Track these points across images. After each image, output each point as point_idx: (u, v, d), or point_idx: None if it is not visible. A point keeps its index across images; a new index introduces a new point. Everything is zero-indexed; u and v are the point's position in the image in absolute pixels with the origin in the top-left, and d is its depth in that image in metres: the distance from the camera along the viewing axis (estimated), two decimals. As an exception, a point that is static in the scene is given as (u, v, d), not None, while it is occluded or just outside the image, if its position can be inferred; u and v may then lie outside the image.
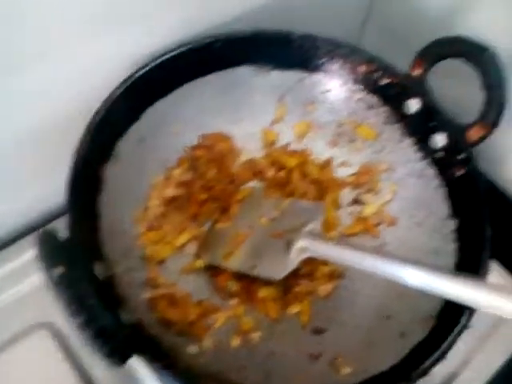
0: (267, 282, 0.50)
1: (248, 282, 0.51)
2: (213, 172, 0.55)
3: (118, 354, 0.34)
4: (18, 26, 0.41)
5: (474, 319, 0.43)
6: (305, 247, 0.48)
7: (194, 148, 0.57)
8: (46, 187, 0.54)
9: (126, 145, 0.50)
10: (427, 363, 0.41)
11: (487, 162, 0.58)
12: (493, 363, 0.54)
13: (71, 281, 0.33)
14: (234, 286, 0.51)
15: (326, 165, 0.60)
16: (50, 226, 0.37)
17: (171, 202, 0.53)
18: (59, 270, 0.32)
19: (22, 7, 0.40)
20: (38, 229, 0.55)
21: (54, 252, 0.33)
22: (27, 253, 0.53)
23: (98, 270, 0.40)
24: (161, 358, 0.39)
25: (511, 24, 0.56)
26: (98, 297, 0.34)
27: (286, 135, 0.61)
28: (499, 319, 0.54)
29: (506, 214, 0.61)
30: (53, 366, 0.48)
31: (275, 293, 0.51)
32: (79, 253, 0.37)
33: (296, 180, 0.58)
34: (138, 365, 0.47)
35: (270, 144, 0.60)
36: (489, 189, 0.51)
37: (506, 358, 0.54)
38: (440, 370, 0.48)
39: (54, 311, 0.48)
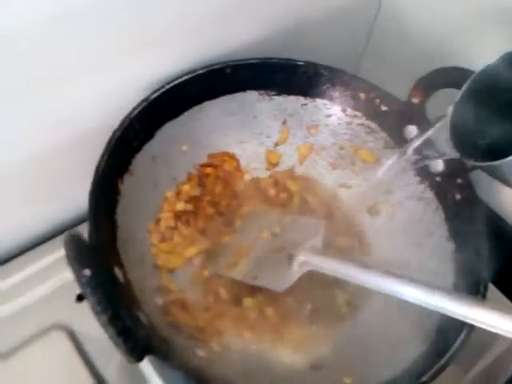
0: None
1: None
2: (219, 188, 0.59)
3: (137, 351, 0.37)
4: (42, 50, 0.45)
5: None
6: (306, 261, 0.50)
7: (203, 166, 0.60)
8: (69, 197, 0.57)
9: (140, 161, 0.53)
10: (426, 376, 0.43)
11: (485, 189, 0.62)
12: None
13: (98, 283, 0.35)
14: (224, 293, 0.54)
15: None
16: (74, 230, 0.40)
17: (181, 216, 0.56)
18: (87, 273, 0.35)
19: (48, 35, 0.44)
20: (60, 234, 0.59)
21: (80, 255, 0.36)
22: (48, 257, 0.58)
23: (118, 274, 0.44)
24: (173, 358, 0.41)
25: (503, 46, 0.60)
26: (120, 298, 0.37)
27: (290, 157, 0.64)
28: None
29: (502, 240, 0.64)
30: (67, 365, 0.51)
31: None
32: (101, 257, 0.40)
33: (296, 205, 0.61)
34: (146, 366, 0.51)
35: (273, 165, 0.64)
36: (487, 214, 0.54)
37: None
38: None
39: (70, 314, 0.54)
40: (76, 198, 0.47)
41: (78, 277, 0.35)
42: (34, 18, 0.42)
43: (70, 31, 0.45)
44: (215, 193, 0.59)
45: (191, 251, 0.55)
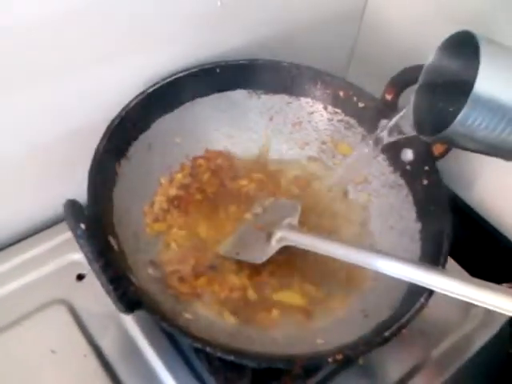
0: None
1: None
2: (207, 176, 0.64)
3: (126, 300, 0.42)
4: (48, 44, 0.51)
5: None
6: (283, 237, 0.55)
7: (197, 158, 0.65)
8: (72, 184, 0.59)
9: (137, 149, 0.59)
10: (389, 332, 0.47)
11: (449, 176, 0.67)
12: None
13: (92, 235, 0.40)
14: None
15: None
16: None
17: (173, 201, 0.61)
18: (82, 226, 0.40)
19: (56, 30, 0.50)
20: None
21: (77, 213, 0.41)
22: (52, 240, 0.63)
23: (112, 242, 0.49)
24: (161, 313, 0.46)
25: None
26: (112, 254, 0.42)
27: (276, 150, 0.70)
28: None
29: (463, 220, 0.69)
30: (67, 335, 0.56)
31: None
32: (97, 222, 0.45)
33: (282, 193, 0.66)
34: (139, 335, 0.56)
35: (261, 158, 0.69)
36: (451, 197, 0.59)
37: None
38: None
39: (71, 291, 0.59)
40: (78, 184, 0.52)
41: (74, 229, 0.40)
42: (43, 14, 0.48)
43: (72, 28, 0.51)
44: (203, 181, 0.64)
45: (181, 232, 0.59)
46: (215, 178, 0.65)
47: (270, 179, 0.67)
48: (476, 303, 0.44)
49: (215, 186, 0.64)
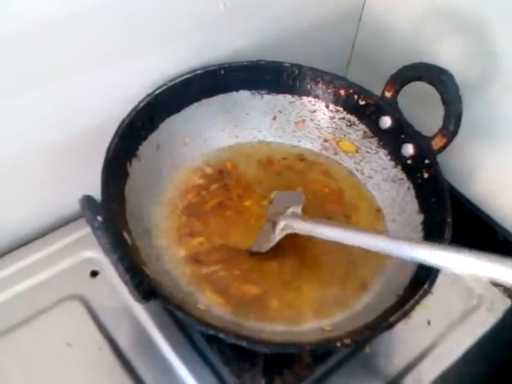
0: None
1: None
2: (215, 186, 0.66)
3: (142, 290, 0.43)
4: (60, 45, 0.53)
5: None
6: (286, 225, 0.57)
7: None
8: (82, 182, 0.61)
9: (146, 149, 0.60)
10: (393, 317, 0.48)
11: (449, 172, 0.69)
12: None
13: (108, 227, 0.42)
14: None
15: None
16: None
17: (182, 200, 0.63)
18: (99, 218, 0.42)
19: (66, 32, 0.53)
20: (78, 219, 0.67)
21: (93, 207, 0.43)
22: (66, 238, 0.66)
23: (126, 237, 0.50)
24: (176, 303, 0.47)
25: (463, 51, 0.69)
26: (127, 248, 0.44)
27: (279, 149, 0.72)
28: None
29: (461, 214, 0.70)
30: (82, 329, 0.58)
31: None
32: (112, 217, 0.47)
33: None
34: (153, 329, 0.59)
35: (265, 157, 0.71)
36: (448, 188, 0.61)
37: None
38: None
39: (85, 287, 0.62)
40: (90, 184, 0.54)
41: (91, 222, 0.41)
42: (51, 15, 0.50)
43: (81, 31, 0.53)
44: (212, 188, 0.66)
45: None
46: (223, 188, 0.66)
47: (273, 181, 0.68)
48: (484, 277, 0.43)
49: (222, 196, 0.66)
